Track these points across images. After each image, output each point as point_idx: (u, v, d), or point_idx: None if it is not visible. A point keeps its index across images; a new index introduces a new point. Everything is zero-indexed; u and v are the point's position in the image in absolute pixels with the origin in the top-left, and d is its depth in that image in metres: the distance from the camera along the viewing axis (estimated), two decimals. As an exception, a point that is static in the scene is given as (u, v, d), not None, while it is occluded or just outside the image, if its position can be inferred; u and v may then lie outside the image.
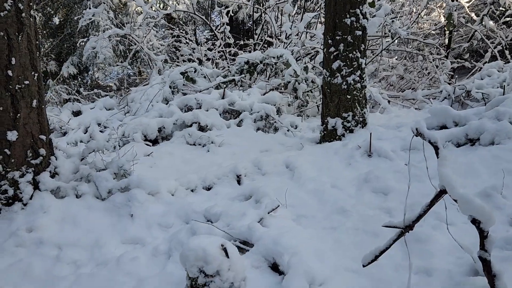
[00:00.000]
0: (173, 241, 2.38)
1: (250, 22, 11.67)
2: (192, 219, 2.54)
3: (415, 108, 5.50)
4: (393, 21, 5.31)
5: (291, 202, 2.75)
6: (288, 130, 4.56)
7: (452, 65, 6.16)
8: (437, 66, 6.16)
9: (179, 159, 4.05)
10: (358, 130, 3.88)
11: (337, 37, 3.77)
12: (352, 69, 3.80)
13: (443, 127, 3.95)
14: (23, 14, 2.56)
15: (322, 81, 3.98)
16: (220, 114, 4.84)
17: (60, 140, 5.26)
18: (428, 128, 3.99)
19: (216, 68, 7.52)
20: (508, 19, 6.43)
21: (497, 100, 3.51)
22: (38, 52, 2.74)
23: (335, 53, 3.80)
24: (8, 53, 2.52)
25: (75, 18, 7.63)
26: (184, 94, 5.47)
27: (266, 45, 7.55)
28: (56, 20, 9.33)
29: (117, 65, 7.23)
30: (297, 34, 5.95)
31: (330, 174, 3.13)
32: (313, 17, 5.40)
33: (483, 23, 6.31)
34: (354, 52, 3.78)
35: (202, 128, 4.54)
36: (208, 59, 7.40)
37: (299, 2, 6.88)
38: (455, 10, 5.68)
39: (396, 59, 7.09)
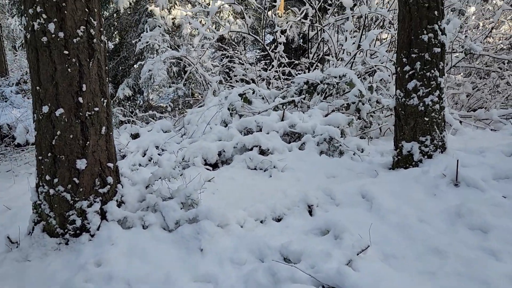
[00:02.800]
0: (249, 281, 2.17)
1: (300, 40, 11.55)
2: (268, 257, 2.32)
3: (491, 129, 5.04)
4: (466, 36, 4.94)
5: (374, 238, 2.46)
6: (354, 154, 4.28)
7: (529, 82, 5.65)
8: (508, 84, 5.68)
9: (241, 185, 3.87)
10: (437, 155, 3.54)
11: (413, 55, 3.48)
12: (430, 89, 3.49)
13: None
14: (95, 40, 2.50)
15: (395, 102, 3.69)
16: (280, 137, 4.65)
17: (120, 163, 5.27)
18: (518, 153, 3.58)
19: (271, 88, 7.39)
20: None
21: None
22: (107, 78, 2.66)
23: (410, 72, 3.51)
24: (79, 79, 2.45)
25: (133, 41, 7.78)
26: (241, 116, 5.34)
27: (320, 64, 7.34)
28: (111, 44, 9.62)
29: (171, 86, 7.28)
30: (358, 53, 5.69)
31: (414, 205, 2.83)
32: (378, 34, 5.14)
33: None
34: (432, 71, 3.48)
35: (263, 152, 4.35)
36: (262, 80, 7.28)
37: (359, 19, 6.64)
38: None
39: (462, 76, 6.64)
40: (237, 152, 4.44)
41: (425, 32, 3.44)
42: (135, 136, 5.83)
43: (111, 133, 2.72)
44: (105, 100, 2.63)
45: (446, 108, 5.24)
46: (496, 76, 5.85)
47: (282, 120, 4.88)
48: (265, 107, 5.28)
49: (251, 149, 4.39)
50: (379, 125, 5.16)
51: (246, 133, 4.74)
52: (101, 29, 2.60)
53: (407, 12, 3.51)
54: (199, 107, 6.70)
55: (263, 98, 5.42)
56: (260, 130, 4.68)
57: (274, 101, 5.37)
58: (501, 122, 5.08)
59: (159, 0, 7.84)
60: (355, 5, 5.97)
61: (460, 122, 5.17)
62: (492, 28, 5.77)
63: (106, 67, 2.68)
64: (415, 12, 3.46)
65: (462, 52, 5.07)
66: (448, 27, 5.18)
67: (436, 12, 3.45)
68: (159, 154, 4.94)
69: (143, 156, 4.99)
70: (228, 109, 5.15)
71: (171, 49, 7.17)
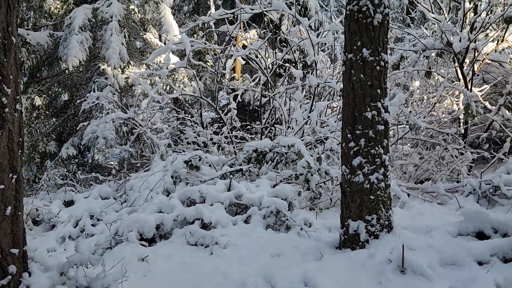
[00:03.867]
0: None
1: (257, 103, 11.67)
2: None
3: (438, 203, 5.04)
4: (410, 111, 5.08)
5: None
6: (301, 229, 4.08)
7: (472, 155, 5.81)
8: (456, 157, 5.81)
9: (178, 264, 3.53)
10: (383, 235, 3.40)
11: (358, 132, 3.44)
12: (375, 166, 3.42)
13: (480, 233, 3.49)
14: (6, 109, 2.24)
15: (341, 179, 3.58)
16: (225, 208, 4.40)
17: (47, 234, 4.78)
18: (463, 234, 3.52)
19: (223, 152, 7.22)
20: (525, 108, 6.20)
21: (545, 206, 3.08)
22: (20, 150, 2.37)
23: (355, 149, 3.44)
24: (-17, 153, 2.15)
25: (78, 101, 7.50)
26: (188, 183, 5.07)
27: (274, 128, 7.32)
28: (60, 100, 9.28)
29: (118, 148, 6.96)
30: (307, 123, 5.69)
31: (359, 297, 2.61)
32: (326, 106, 5.19)
33: (500, 112, 6.09)
34: (377, 148, 3.43)
35: (205, 226, 4.07)
36: (214, 143, 7.12)
37: (309, 88, 6.75)
38: (475, 101, 5.48)
39: (409, 146, 6.78)
40: (177, 226, 4.12)
41: (368, 109, 3.43)
42: (69, 203, 5.38)
43: (19, 213, 2.38)
44: (15, 176, 2.31)
45: (394, 180, 5.25)
46: (441, 149, 5.99)
47: (229, 190, 4.66)
48: (212, 175, 5.06)
49: (193, 222, 4.09)
50: (329, 196, 5.05)
51: (189, 204, 4.46)
52: (18, 97, 2.34)
53: (351, 89, 3.50)
54: (144, 171, 6.38)
55: (210, 166, 5.21)
56: (204, 201, 4.41)
57: (221, 168, 5.17)
58: (447, 196, 5.10)
59: (111, 59, 7.70)
60: (305, 75, 6.10)
61: (408, 194, 5.15)
62: (435, 103, 6.00)
63: (21, 138, 2.40)
64: (358, 89, 3.46)
65: (408, 125, 5.18)
66: (393, 101, 5.31)
67: (379, 90, 3.47)
68: (93, 225, 4.53)
69: (75, 227, 4.55)
70: (172, 177, 4.88)
71: (120, 110, 6.93)
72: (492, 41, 6.40)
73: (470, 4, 6.00)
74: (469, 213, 3.54)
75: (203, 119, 8.62)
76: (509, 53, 7.24)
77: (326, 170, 4.83)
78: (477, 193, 4.84)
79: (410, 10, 11.84)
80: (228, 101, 8.21)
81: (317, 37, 6.67)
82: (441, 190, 5.13)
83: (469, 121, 6.20)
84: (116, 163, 8.41)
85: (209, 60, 9.34)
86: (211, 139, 7.18)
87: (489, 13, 5.95)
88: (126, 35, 8.70)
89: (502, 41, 6.35)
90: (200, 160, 5.16)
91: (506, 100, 6.09)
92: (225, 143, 7.21)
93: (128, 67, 8.82)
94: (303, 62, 7.23)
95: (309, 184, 4.75)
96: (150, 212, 4.22)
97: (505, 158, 5.89)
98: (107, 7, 8.38)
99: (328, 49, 7.76)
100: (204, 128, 7.59)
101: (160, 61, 8.57)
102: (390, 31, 7.20)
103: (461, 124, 6.38)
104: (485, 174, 5.49)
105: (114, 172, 6.58)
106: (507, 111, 6.15)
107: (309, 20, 7.06)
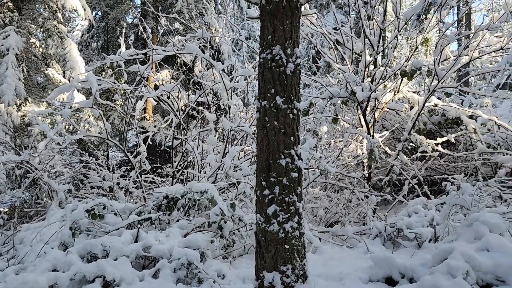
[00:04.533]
0: None
1: (169, 143, 11.34)
2: None
3: (347, 247, 5.16)
4: (321, 156, 5.24)
5: None
6: (214, 282, 3.85)
7: (376, 198, 6.13)
8: (362, 199, 6.09)
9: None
10: (299, 286, 3.32)
11: (272, 179, 3.39)
12: (289, 214, 3.37)
13: (389, 278, 3.58)
14: None
15: (256, 228, 3.48)
16: (131, 262, 4.02)
17: None
18: (373, 280, 3.58)
19: (130, 197, 6.77)
20: (419, 154, 6.78)
21: (444, 251, 3.25)
22: None
23: (270, 197, 3.38)
24: None
25: (-40, 141, 6.61)
26: (90, 234, 4.59)
27: (186, 171, 7.08)
28: None
29: (8, 194, 6.17)
30: (221, 167, 5.59)
31: None
32: (240, 150, 5.15)
33: (399, 157, 6.57)
34: (291, 196, 3.40)
35: (107, 284, 3.65)
36: (121, 188, 6.65)
37: (223, 132, 6.69)
38: (377, 146, 5.84)
39: (320, 189, 6.98)
40: (74, 285, 3.65)
41: (282, 156, 3.42)
42: None
43: None
44: None
45: (306, 225, 5.30)
46: (348, 192, 6.24)
47: (136, 241, 4.29)
48: (118, 225, 4.65)
49: (93, 281, 3.66)
50: (242, 243, 4.90)
51: (89, 259, 4.00)
52: None
53: (265, 136, 3.48)
54: (39, 220, 5.70)
55: (115, 214, 4.80)
56: (108, 255, 3.99)
57: (128, 217, 4.78)
58: (356, 239, 5.26)
59: (4, 96, 6.97)
60: (218, 119, 6.06)
61: (320, 239, 5.21)
62: (342, 148, 6.30)
63: None
64: (272, 136, 3.45)
65: (318, 170, 5.33)
66: (304, 146, 5.45)
67: (292, 138, 3.49)
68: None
69: None
70: (71, 228, 4.38)
71: (13, 151, 6.21)
72: (390, 91, 6.99)
73: (370, 57, 6.53)
74: (378, 259, 3.63)
75: (110, 161, 8.08)
76: (404, 103, 7.96)
77: (240, 217, 4.71)
78: (383, 235, 5.05)
79: (317, 59, 12.68)
80: (137, 142, 7.85)
81: (231, 81, 6.73)
82: (350, 233, 5.27)
83: (372, 165, 6.60)
84: (6, 211, 7.45)
85: (118, 100, 8.93)
86: (118, 183, 6.71)
87: (386, 66, 6.51)
88: (25, 70, 8.01)
89: (398, 91, 6.97)
90: (104, 208, 4.73)
91: (403, 146, 6.62)
92: (133, 187, 6.79)
93: (26, 104, 8.06)
94: (216, 105, 7.21)
95: (223, 232, 4.57)
96: (43, 270, 3.69)
97: (404, 200, 6.31)
98: (3, 39, 7.68)
99: (241, 93, 7.87)
100: (110, 171, 7.09)
101: (63, 99, 7.98)
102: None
103: (365, 168, 6.75)
104: (389, 217, 5.79)
105: (2, 222, 5.79)
106: (405, 156, 6.67)
107: (222, 64, 7.12)
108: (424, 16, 7.17)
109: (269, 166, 3.42)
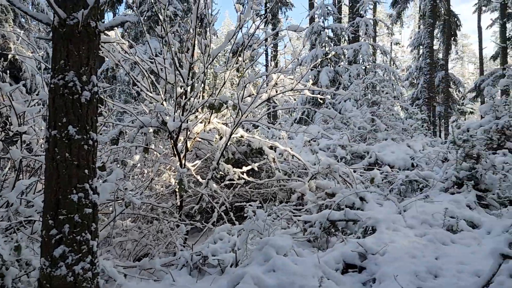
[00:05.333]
0: None
1: None
2: None
3: (155, 280, 5.03)
4: (126, 188, 5.05)
5: None
6: None
7: (186, 227, 6.19)
8: (172, 229, 6.08)
9: None
10: (90, 333, 3.05)
11: (61, 217, 3.08)
12: (81, 254, 3.10)
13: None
14: None
15: (39, 274, 3.08)
16: None
17: None
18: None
19: None
20: (228, 182, 7.19)
21: (237, 276, 3.46)
22: None
23: (58, 237, 3.05)
24: None
25: None
26: None
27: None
28: None
29: None
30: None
31: None
32: (36, 181, 4.53)
33: (209, 185, 6.84)
34: (84, 234, 3.15)
35: None
36: None
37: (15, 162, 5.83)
38: (189, 175, 5.94)
39: (131, 221, 6.70)
40: None
41: (74, 191, 3.15)
42: None
43: None
44: None
45: (110, 261, 4.99)
46: (158, 222, 6.15)
47: None
48: None
49: None
50: (32, 290, 4.28)
51: None
52: None
53: (55, 169, 3.17)
54: None
55: None
56: None
57: None
58: (163, 271, 5.18)
59: None
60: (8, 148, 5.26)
61: (125, 275, 4.95)
62: (152, 178, 6.22)
63: None
64: (63, 169, 3.16)
65: (123, 203, 5.11)
66: (111, 177, 5.17)
67: (87, 171, 3.26)
68: None
69: None
70: None
71: None
72: (201, 122, 7.28)
73: (180, 89, 6.71)
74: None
75: None
76: (215, 133, 8.40)
77: (28, 260, 4.12)
78: (189, 265, 5.10)
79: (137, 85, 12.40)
80: None
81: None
82: (158, 265, 5.17)
83: (185, 194, 6.69)
84: None
85: None
86: None
87: (196, 98, 6.78)
88: None
89: (209, 122, 7.32)
90: None
91: (213, 175, 6.93)
92: None
93: None
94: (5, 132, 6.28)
95: (4, 281, 3.91)
96: None
97: (213, 227, 6.55)
98: None
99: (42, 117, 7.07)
100: None
101: None
102: (105, 107, 7.24)
103: (177, 196, 6.80)
104: (197, 245, 5.92)
105: None
106: (214, 184, 6.98)
107: (22, 81, 6.27)
108: (237, 55, 7.89)
109: (58, 202, 3.11)
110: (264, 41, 7.95)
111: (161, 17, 6.25)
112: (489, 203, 5.63)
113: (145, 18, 17.34)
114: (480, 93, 24.04)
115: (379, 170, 8.39)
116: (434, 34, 25.83)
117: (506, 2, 25.17)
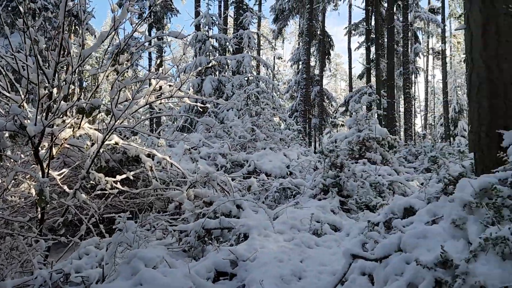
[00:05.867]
0: None
1: None
2: None
3: (4, 305, 4.42)
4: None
5: None
6: None
7: (47, 243, 5.58)
8: (30, 245, 5.42)
9: None
10: None
11: None
12: None
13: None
14: None
15: None
16: None
17: None
18: None
19: None
20: (99, 192, 6.71)
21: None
22: None
23: None
24: None
25: None
26: None
27: None
28: None
29: None
30: None
31: None
32: None
33: (76, 196, 6.30)
34: None
35: None
36: None
37: None
38: (55, 185, 5.38)
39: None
40: None
41: None
42: None
43: None
44: None
45: None
46: (12, 239, 5.44)
47: None
48: None
49: None
50: None
51: None
52: None
53: None
54: None
55: None
56: None
57: None
58: (16, 294, 4.58)
59: None
60: None
61: (-34, 302, 4.25)
62: (6, 188, 5.49)
63: None
64: None
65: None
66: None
67: None
68: None
69: None
70: None
71: None
72: (70, 127, 6.68)
73: (45, 90, 6.08)
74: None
75: None
76: (87, 140, 7.80)
77: None
78: (48, 284, 4.59)
79: None
80: None
81: None
82: (9, 287, 4.56)
83: (46, 206, 6.04)
84: None
85: None
86: None
87: (63, 100, 6.21)
88: None
89: (79, 128, 6.75)
90: None
91: (81, 184, 6.39)
92: None
93: None
94: None
95: None
96: None
97: (80, 241, 6.03)
98: None
99: None
100: None
101: None
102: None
103: (38, 209, 6.12)
104: (61, 261, 5.37)
105: None
106: (83, 195, 6.43)
107: None
108: (113, 57, 7.44)
109: None
110: (143, 45, 7.68)
111: (21, 9, 5.60)
112: (350, 208, 6.18)
113: (9, 9, 15.51)
114: (348, 108, 26.60)
115: (257, 178, 8.66)
116: (311, 52, 27.93)
117: (370, 28, 28.44)
